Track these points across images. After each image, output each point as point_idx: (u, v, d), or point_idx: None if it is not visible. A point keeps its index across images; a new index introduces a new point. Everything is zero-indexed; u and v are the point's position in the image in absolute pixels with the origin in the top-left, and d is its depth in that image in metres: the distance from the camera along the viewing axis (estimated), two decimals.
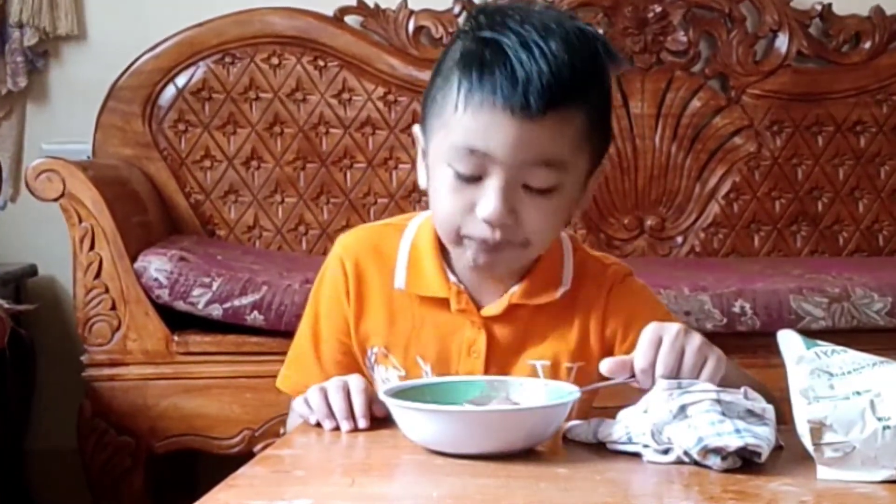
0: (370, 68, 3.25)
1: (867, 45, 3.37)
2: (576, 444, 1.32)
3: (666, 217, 3.32)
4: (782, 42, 3.35)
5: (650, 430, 1.25)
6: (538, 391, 1.37)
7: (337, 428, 1.40)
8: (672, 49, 3.33)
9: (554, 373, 1.53)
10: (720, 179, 3.32)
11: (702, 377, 1.33)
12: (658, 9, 3.32)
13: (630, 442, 1.27)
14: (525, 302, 1.53)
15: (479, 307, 1.54)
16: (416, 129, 1.53)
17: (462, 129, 1.39)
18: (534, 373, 1.52)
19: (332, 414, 1.41)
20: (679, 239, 3.32)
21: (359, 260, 1.57)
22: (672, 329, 1.35)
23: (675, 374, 1.32)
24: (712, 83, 3.35)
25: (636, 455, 1.27)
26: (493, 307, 1.53)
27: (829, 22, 3.38)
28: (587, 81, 1.41)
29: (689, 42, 3.33)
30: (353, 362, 1.56)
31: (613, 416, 1.32)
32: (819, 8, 3.37)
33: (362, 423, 1.39)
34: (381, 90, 3.25)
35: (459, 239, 1.46)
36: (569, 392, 1.34)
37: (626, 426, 1.28)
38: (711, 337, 2.55)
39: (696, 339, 1.36)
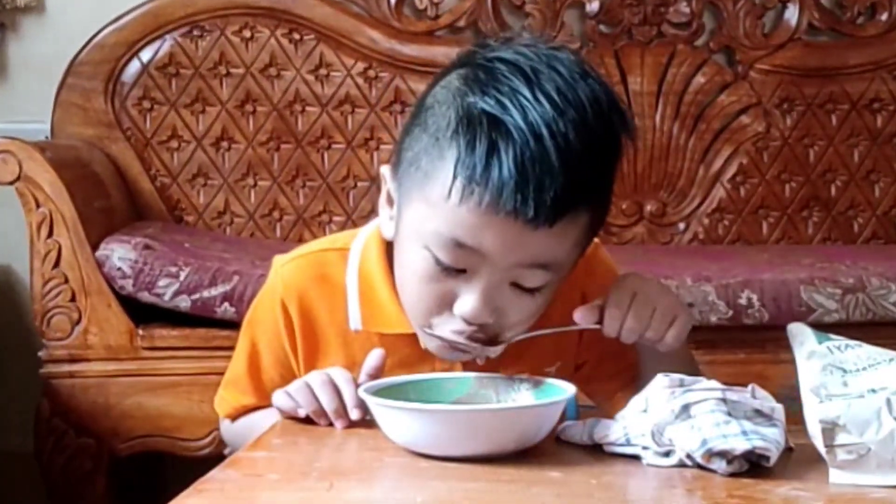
0: (349, 42, 3.24)
1: (884, 16, 3.37)
2: (570, 445, 1.33)
3: (667, 202, 3.32)
4: (792, 13, 3.35)
5: (650, 430, 1.25)
6: (529, 389, 1.37)
7: (331, 425, 1.40)
8: (674, 21, 3.33)
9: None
10: (726, 161, 3.31)
11: (668, 335, 1.42)
12: None
13: (628, 443, 1.27)
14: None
15: None
16: (385, 170, 1.45)
17: (453, 221, 1.32)
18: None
19: (322, 411, 1.40)
20: (681, 225, 3.32)
21: (303, 296, 1.53)
22: (650, 283, 1.46)
23: (644, 327, 1.41)
24: (717, 58, 3.35)
25: (635, 457, 1.27)
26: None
27: None
28: (601, 178, 1.37)
29: (692, 13, 3.33)
30: None
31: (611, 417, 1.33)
32: None
33: (355, 415, 1.39)
34: (360, 65, 3.24)
35: (429, 327, 1.40)
36: (563, 390, 1.34)
37: (624, 426, 1.28)
38: (716, 330, 2.59)
39: (669, 296, 1.47)
